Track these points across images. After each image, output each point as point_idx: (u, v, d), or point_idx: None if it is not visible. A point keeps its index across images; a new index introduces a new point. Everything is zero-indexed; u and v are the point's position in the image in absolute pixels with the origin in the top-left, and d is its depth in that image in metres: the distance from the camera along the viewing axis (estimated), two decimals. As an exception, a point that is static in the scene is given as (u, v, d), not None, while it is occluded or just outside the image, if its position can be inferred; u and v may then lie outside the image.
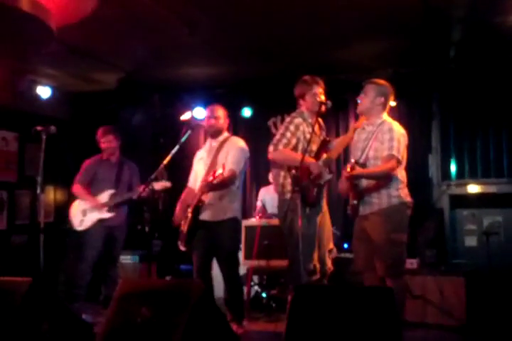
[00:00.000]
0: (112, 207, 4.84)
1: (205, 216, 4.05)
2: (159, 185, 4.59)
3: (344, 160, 6.25)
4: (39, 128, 4.55)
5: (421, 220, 5.08)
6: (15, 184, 6.46)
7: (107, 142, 4.96)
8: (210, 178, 3.82)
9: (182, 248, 4.10)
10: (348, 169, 3.44)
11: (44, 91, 6.27)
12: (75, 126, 6.02)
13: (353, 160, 3.52)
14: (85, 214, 4.88)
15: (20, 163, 6.51)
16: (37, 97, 6.25)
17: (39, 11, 3.73)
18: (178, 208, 4.22)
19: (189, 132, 4.15)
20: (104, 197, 4.88)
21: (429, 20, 4.70)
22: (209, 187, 3.92)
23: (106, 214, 4.84)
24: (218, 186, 3.94)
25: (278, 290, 5.13)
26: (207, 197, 4.02)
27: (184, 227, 4.05)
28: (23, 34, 4.21)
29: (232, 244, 4.15)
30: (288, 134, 3.75)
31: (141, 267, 5.97)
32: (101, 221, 4.84)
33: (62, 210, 6.28)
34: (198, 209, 4.01)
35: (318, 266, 3.68)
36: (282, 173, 3.80)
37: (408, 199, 3.60)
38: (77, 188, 5.01)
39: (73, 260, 4.97)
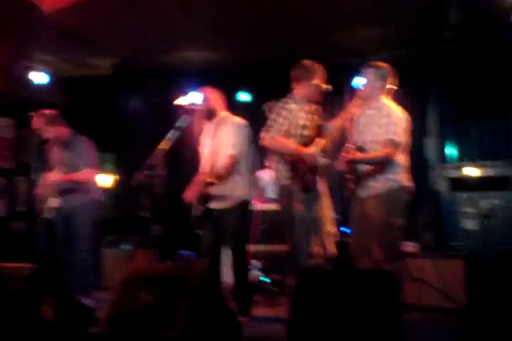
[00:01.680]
0: (56, 193, 4.64)
1: (211, 205, 4.03)
2: (53, 202, 4.54)
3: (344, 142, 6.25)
4: (34, 114, 4.53)
5: (418, 203, 5.08)
6: (13, 170, 6.45)
7: (47, 132, 4.73)
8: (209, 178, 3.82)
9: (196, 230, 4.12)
10: (348, 151, 3.43)
11: (39, 77, 6.21)
12: (70, 111, 5.97)
13: (349, 145, 3.51)
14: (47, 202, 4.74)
15: (16, 149, 6.49)
16: (32, 83, 6.20)
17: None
18: (189, 189, 4.16)
19: (185, 117, 4.12)
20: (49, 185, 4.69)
21: (425, 2, 4.66)
22: (209, 185, 3.92)
23: (53, 204, 4.64)
24: (218, 180, 3.93)
25: (279, 275, 5.15)
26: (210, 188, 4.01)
27: (195, 212, 4.05)
28: (16, 18, 4.16)
29: (238, 230, 4.07)
30: (280, 119, 3.71)
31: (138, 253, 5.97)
32: (52, 209, 4.66)
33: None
34: (204, 199, 3.99)
35: (317, 249, 3.69)
36: (277, 159, 3.79)
37: (407, 183, 3.59)
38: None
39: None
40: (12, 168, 6.44)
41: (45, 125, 4.69)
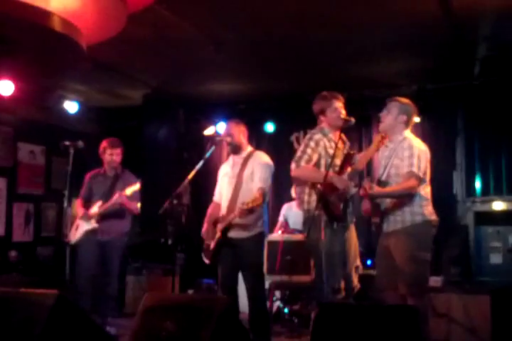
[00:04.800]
0: (98, 217, 4.82)
1: (231, 234, 4.06)
2: (130, 190, 4.75)
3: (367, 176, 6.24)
4: (67, 142, 4.66)
5: (445, 237, 5.04)
6: (41, 196, 6.59)
7: (115, 155, 4.98)
8: (248, 205, 3.83)
9: (206, 261, 4.15)
10: (366, 186, 3.44)
11: (72, 106, 6.41)
12: (101, 140, 6.09)
13: (366, 180, 3.51)
14: (77, 228, 4.91)
15: (46, 176, 6.64)
16: (65, 112, 6.39)
17: (70, 30, 3.81)
18: (205, 224, 4.24)
19: (213, 147, 4.20)
20: (94, 209, 4.89)
21: (454, 38, 4.71)
22: (246, 213, 3.94)
23: (92, 225, 4.82)
24: (253, 210, 3.96)
25: (300, 306, 5.11)
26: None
27: (211, 244, 4.09)
28: (56, 53, 4.32)
29: (256, 259, 4.15)
30: (309, 150, 3.74)
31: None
32: (89, 233, 4.81)
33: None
34: (227, 229, 4.04)
35: (343, 283, 3.66)
36: (307, 190, 3.79)
37: (433, 217, 3.56)
38: (77, 203, 5.07)
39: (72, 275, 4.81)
40: (41, 194, 6.59)
41: (116, 149, 5.01)
